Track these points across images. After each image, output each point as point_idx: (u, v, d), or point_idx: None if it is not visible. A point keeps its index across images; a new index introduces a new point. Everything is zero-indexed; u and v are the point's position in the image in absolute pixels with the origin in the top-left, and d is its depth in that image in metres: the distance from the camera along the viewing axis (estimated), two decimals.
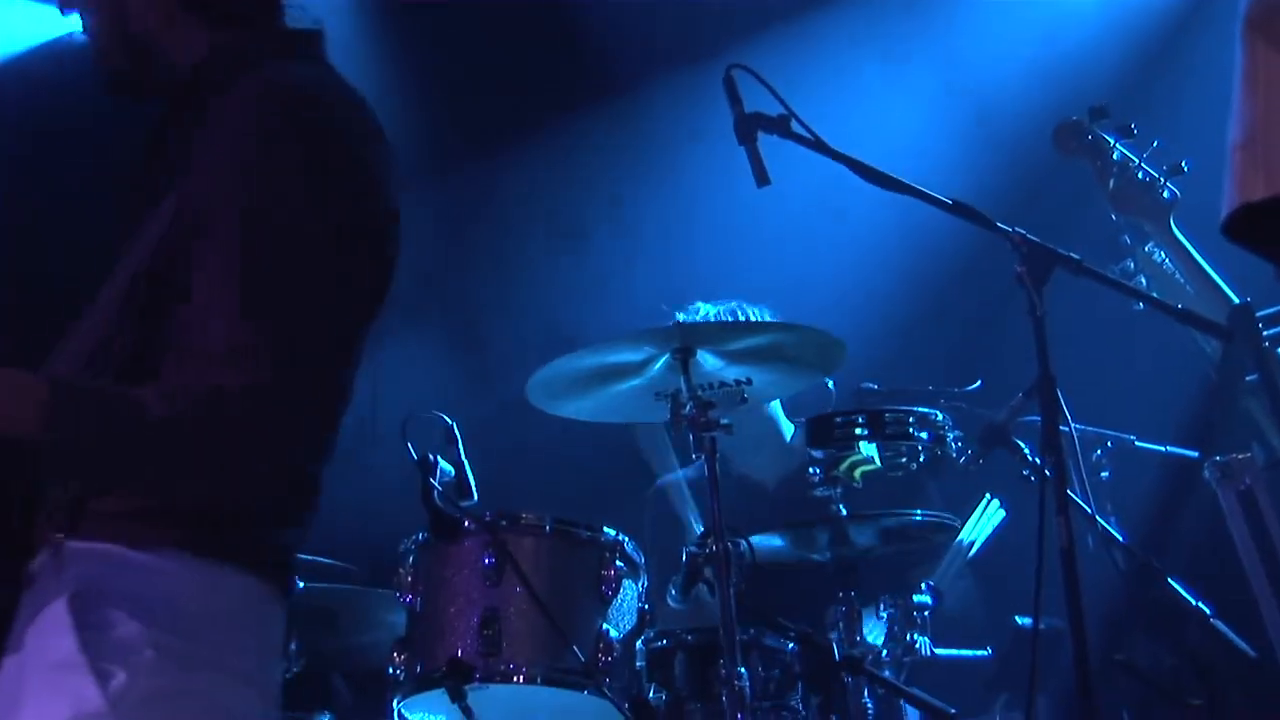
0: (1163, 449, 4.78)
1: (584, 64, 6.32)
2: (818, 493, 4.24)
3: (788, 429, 5.29)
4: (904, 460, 4.18)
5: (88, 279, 2.42)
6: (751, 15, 5.97)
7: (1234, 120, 2.13)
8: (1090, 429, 4.67)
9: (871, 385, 4.87)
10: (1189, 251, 4.44)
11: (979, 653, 4.52)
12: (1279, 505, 3.77)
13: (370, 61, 6.50)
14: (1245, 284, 4.29)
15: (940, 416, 4.22)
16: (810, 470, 4.25)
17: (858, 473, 4.18)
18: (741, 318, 4.96)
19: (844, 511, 4.20)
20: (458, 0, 6.37)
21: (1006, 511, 4.52)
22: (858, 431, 4.16)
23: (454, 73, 6.45)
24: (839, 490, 4.22)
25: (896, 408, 4.24)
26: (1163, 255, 4.49)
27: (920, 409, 4.23)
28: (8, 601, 2.24)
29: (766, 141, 3.83)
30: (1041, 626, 3.57)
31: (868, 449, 4.16)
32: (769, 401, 5.12)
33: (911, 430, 4.17)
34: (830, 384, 4.90)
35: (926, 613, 4.20)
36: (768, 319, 4.99)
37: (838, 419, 4.22)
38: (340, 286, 2.25)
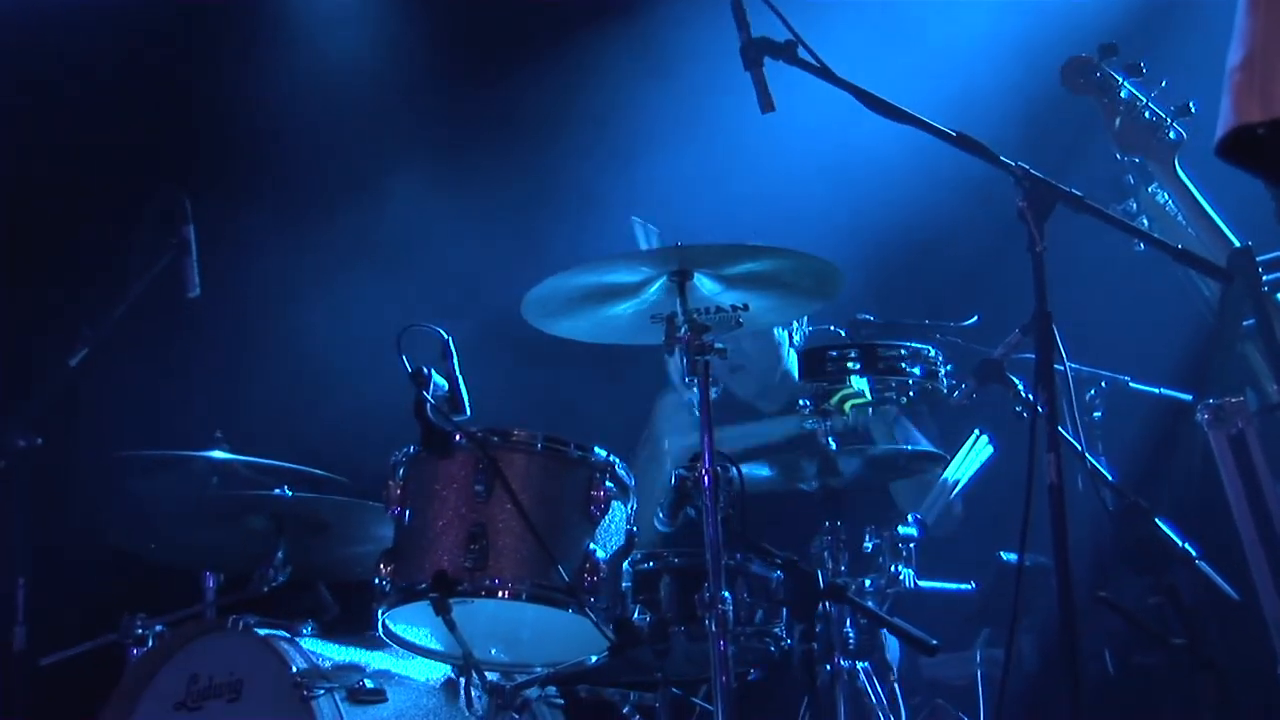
0: (1156, 391, 4.79)
1: None
2: (807, 425, 4.23)
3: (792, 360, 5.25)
4: (894, 395, 4.17)
5: None
6: None
7: (1234, 41, 2.11)
8: (1085, 368, 4.67)
9: (867, 316, 4.86)
10: (1192, 194, 4.43)
11: (962, 586, 4.53)
12: (1269, 450, 3.77)
13: None
14: (1247, 228, 4.28)
15: (933, 352, 4.21)
16: (800, 402, 4.24)
17: (848, 406, 4.18)
18: None
19: (833, 445, 4.19)
20: None
21: (995, 448, 4.52)
22: (850, 365, 4.15)
23: None
24: (829, 423, 4.21)
25: (889, 342, 4.22)
26: (1166, 197, 4.47)
27: (913, 344, 4.22)
28: None
29: (772, 67, 3.80)
30: (1026, 563, 3.58)
31: (859, 383, 4.15)
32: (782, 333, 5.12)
33: (904, 365, 4.16)
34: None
35: (912, 545, 4.21)
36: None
37: (831, 352, 4.20)
38: None
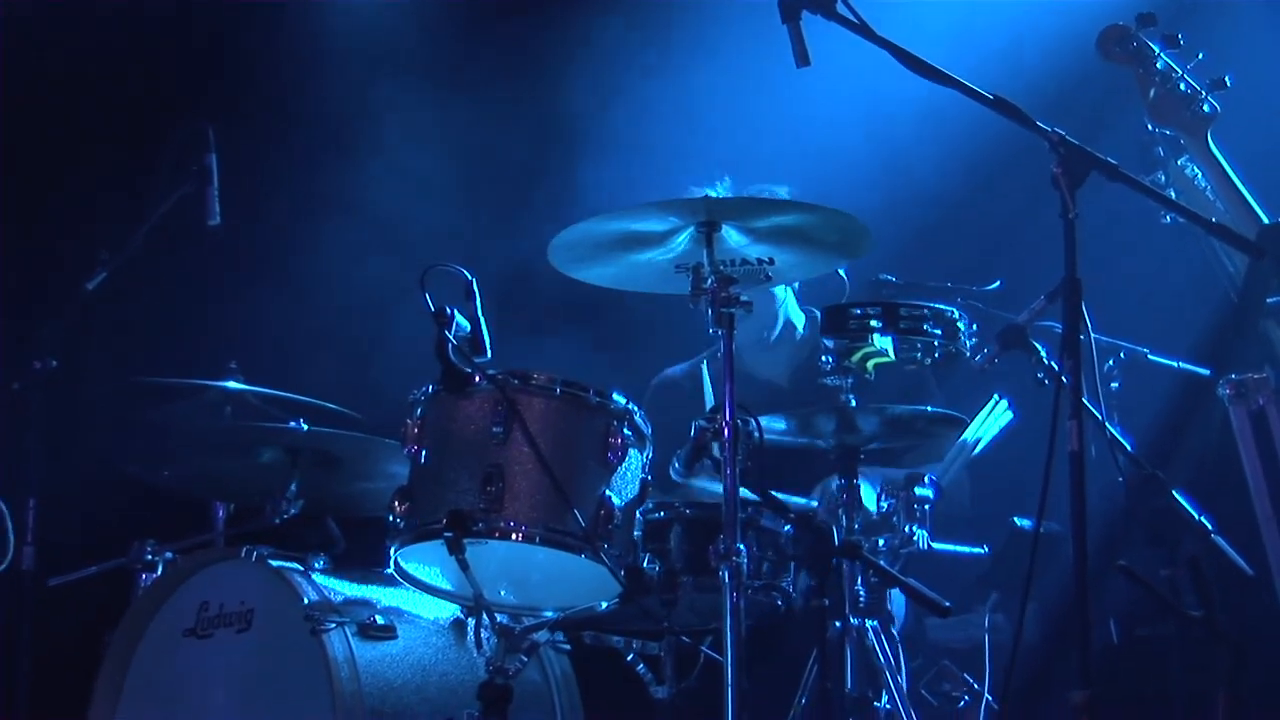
0: (1175, 364, 4.78)
1: None
2: (828, 381, 4.23)
3: (799, 320, 5.27)
4: (919, 355, 4.16)
5: None
6: None
7: None
8: (1104, 338, 4.66)
9: (889, 277, 4.85)
10: (1223, 168, 4.40)
11: (975, 550, 4.53)
12: None
13: None
14: (1277, 205, 4.27)
15: (956, 314, 4.21)
16: (822, 359, 4.23)
17: (871, 364, 4.17)
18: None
19: (853, 402, 4.19)
20: None
21: (1015, 414, 4.52)
22: (873, 324, 4.15)
23: None
24: (850, 380, 4.21)
25: (912, 302, 4.22)
26: (1196, 170, 4.45)
27: (936, 305, 4.22)
28: None
29: (810, 22, 3.77)
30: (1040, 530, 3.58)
31: (882, 341, 4.14)
32: (784, 290, 5.12)
33: (926, 326, 4.15)
34: (843, 272, 4.88)
35: (927, 506, 4.21)
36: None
37: (854, 310, 4.20)
38: None
